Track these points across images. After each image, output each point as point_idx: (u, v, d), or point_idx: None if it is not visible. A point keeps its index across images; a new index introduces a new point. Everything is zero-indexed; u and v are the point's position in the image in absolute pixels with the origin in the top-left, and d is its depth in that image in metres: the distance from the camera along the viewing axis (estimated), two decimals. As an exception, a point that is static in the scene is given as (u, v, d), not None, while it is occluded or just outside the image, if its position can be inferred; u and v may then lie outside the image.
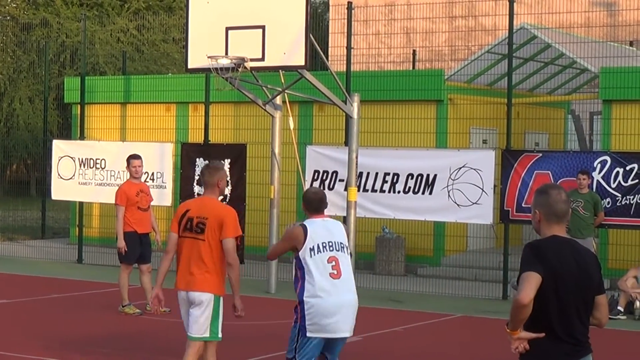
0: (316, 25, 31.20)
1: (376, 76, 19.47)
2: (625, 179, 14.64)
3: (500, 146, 16.55)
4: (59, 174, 19.04)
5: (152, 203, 13.79)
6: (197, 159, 17.25)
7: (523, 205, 15.01)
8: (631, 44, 23.48)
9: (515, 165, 15.23)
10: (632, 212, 14.58)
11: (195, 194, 16.71)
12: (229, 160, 16.74)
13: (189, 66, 14.93)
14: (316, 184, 15.98)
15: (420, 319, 13.70)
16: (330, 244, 7.61)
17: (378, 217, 16.55)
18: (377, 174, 15.94)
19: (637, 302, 13.82)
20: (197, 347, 8.24)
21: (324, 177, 16.20)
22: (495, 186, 15.22)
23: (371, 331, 12.15)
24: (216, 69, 14.12)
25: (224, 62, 14.06)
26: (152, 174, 17.76)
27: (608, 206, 14.70)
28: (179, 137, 19.97)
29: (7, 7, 36.91)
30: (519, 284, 5.25)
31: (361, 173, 15.75)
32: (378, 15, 29.60)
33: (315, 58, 16.91)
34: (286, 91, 15.24)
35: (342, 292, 7.56)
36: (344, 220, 15.14)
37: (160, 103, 20.68)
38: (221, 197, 17.05)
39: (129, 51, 31.46)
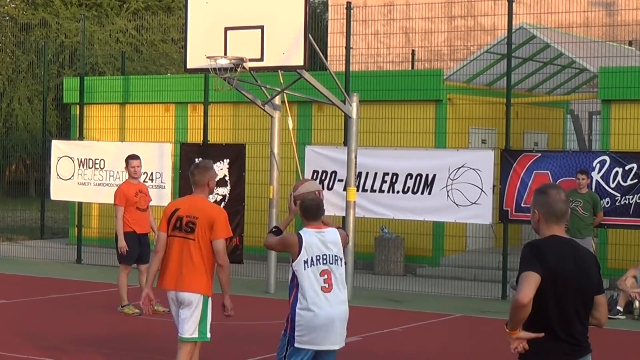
0: (315, 25, 31.16)
1: (375, 76, 19.45)
2: (625, 179, 14.63)
3: (500, 146, 16.54)
4: (58, 174, 19.02)
5: (151, 203, 13.79)
6: (196, 159, 17.22)
7: (522, 205, 15.02)
8: (630, 43, 23.50)
9: (515, 165, 15.23)
10: (631, 212, 14.59)
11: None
12: (228, 160, 16.74)
13: (188, 66, 14.93)
14: (315, 184, 15.94)
15: (419, 319, 13.70)
16: (325, 257, 7.56)
17: (377, 217, 16.55)
18: (376, 174, 15.95)
19: (637, 302, 13.81)
20: (189, 348, 8.21)
21: (323, 177, 16.20)
22: (494, 186, 15.22)
23: (370, 331, 12.15)
24: (215, 69, 14.11)
25: (223, 62, 14.05)
26: (151, 174, 17.76)
27: (607, 206, 14.70)
28: (178, 137, 19.96)
29: (6, 7, 36.90)
30: (518, 284, 5.25)
31: (360, 173, 15.75)
32: (377, 15, 29.59)
33: (314, 58, 16.90)
34: (285, 91, 15.23)
35: (333, 305, 7.52)
36: (343, 220, 15.15)
37: (159, 103, 20.67)
38: (220, 197, 17.24)
39: (127, 51, 31.44)
